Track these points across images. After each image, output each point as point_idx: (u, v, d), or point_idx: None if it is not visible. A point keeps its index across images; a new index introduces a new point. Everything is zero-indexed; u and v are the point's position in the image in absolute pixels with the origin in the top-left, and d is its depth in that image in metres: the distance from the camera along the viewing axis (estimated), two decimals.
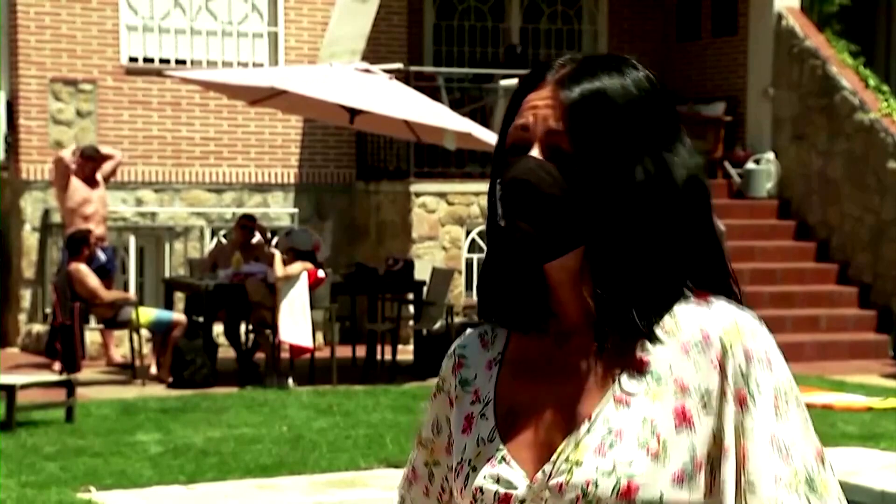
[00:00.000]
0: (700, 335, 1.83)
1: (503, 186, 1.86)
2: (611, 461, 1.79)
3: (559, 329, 1.90)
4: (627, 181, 1.83)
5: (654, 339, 1.84)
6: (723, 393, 1.82)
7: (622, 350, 1.85)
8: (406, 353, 14.08)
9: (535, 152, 1.85)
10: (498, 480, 1.86)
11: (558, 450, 1.83)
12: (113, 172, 14.40)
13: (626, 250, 1.83)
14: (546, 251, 1.84)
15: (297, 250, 12.70)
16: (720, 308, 1.86)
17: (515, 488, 1.85)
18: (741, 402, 1.81)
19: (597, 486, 1.78)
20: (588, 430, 1.82)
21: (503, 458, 1.87)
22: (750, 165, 16.98)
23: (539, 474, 1.83)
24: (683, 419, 1.81)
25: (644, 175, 1.84)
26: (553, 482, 1.82)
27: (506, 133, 1.91)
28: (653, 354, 1.84)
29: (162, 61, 15.50)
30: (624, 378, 1.83)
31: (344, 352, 13.77)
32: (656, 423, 1.80)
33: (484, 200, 15.41)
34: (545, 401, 1.88)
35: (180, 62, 15.56)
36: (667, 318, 1.85)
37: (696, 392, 1.82)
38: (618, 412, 1.82)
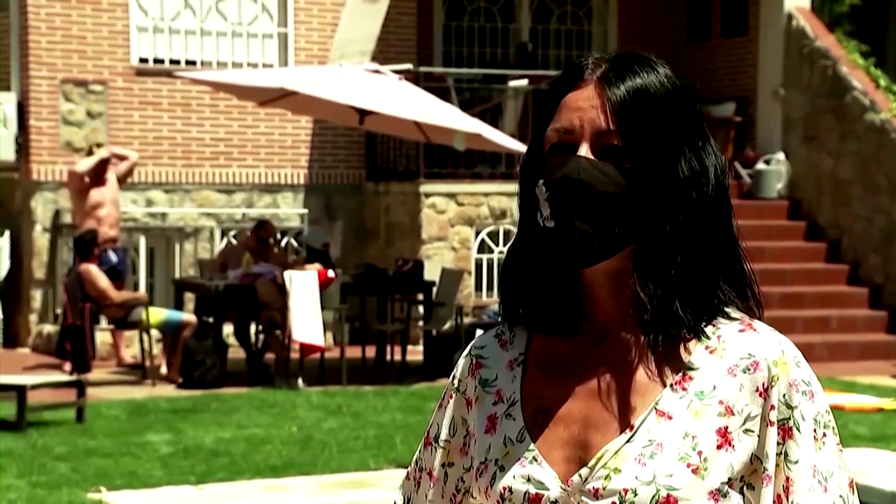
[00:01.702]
0: (749, 360, 1.85)
1: (552, 186, 1.83)
2: (651, 471, 1.80)
3: (593, 330, 1.89)
4: (674, 177, 1.84)
5: (701, 336, 1.85)
6: (766, 420, 1.84)
7: (665, 353, 1.86)
8: (416, 353, 14.08)
9: (583, 151, 1.83)
10: (528, 480, 1.85)
11: (596, 455, 1.83)
12: (128, 174, 14.42)
13: (675, 247, 1.84)
14: (602, 250, 1.83)
15: (309, 248, 12.74)
16: (766, 334, 1.88)
17: (547, 489, 1.84)
18: (785, 432, 1.84)
19: (636, 493, 1.79)
20: (629, 440, 1.82)
21: (534, 459, 1.86)
22: (760, 166, 16.95)
23: (575, 477, 1.83)
24: (724, 439, 1.83)
25: (689, 171, 1.86)
26: (589, 486, 1.82)
27: (541, 134, 1.88)
28: (697, 371, 1.85)
29: (172, 62, 15.52)
30: (667, 392, 1.84)
31: (353, 352, 13.78)
32: (698, 440, 1.82)
33: (494, 201, 15.44)
34: (578, 401, 1.87)
35: (190, 63, 15.57)
36: (713, 338, 1.86)
37: (739, 415, 1.83)
38: (659, 425, 1.82)
